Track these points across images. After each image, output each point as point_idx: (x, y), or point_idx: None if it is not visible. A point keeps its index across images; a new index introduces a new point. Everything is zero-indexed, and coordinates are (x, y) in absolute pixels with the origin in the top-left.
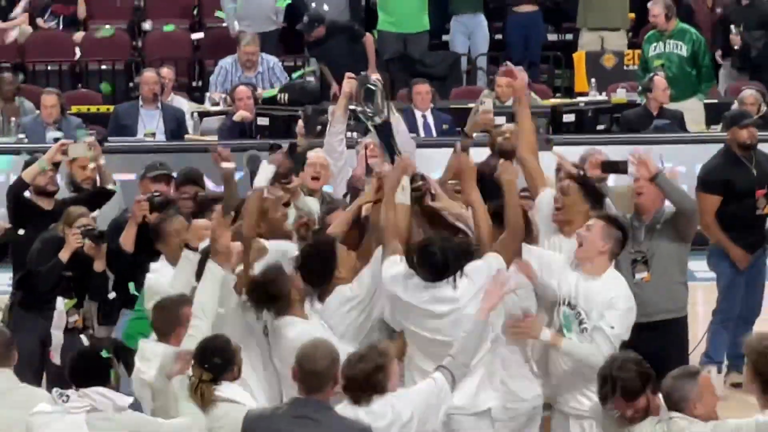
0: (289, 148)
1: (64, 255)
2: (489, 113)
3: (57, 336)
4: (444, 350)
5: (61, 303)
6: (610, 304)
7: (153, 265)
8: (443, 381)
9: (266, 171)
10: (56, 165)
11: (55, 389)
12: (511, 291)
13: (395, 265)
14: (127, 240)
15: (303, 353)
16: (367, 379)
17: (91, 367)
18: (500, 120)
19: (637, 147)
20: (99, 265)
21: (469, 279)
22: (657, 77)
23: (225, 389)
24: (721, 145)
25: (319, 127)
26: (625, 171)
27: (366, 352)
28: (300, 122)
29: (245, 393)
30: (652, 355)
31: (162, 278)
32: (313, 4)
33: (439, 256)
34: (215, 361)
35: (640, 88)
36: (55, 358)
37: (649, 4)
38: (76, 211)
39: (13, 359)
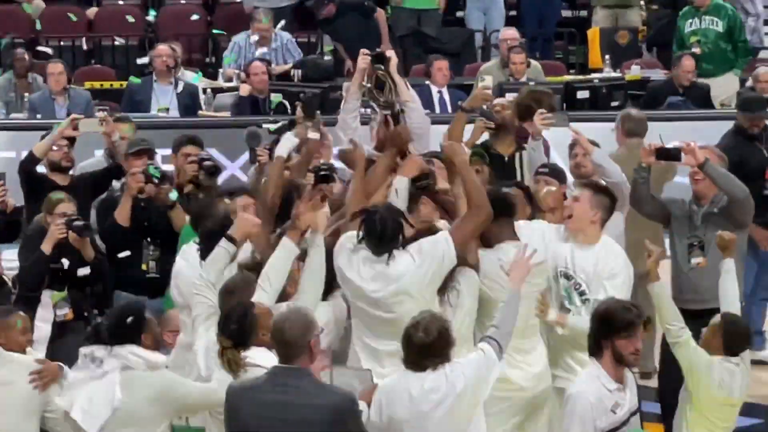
0: (290, 124)
1: (46, 247)
2: (488, 89)
3: (42, 329)
4: (388, 328)
5: (47, 296)
6: (611, 274)
7: (185, 247)
8: (491, 351)
9: (289, 142)
10: (71, 141)
11: (84, 350)
12: (538, 263)
13: (348, 240)
14: (123, 214)
15: (275, 324)
16: (430, 347)
17: (125, 326)
18: (510, 96)
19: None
20: (88, 255)
21: (412, 257)
22: (686, 58)
23: (253, 354)
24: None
25: (319, 112)
26: (678, 158)
27: (429, 320)
28: (299, 110)
29: (274, 357)
30: None
31: (190, 265)
32: None
33: (378, 225)
34: (232, 328)
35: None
36: (40, 352)
37: None
38: (55, 196)
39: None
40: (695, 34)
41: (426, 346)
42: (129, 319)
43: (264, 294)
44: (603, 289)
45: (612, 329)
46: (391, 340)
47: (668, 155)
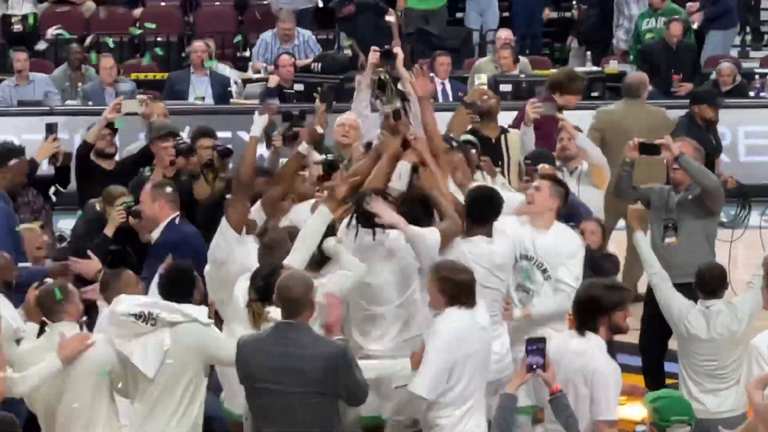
0: (300, 113)
1: (109, 231)
2: (483, 86)
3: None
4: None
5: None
6: (569, 254)
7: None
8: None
9: (259, 122)
10: (114, 131)
11: (136, 309)
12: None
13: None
14: None
15: (281, 283)
16: None
17: (179, 283)
18: (506, 87)
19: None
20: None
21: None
22: (674, 23)
23: (275, 311)
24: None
25: (334, 102)
26: (658, 152)
27: None
28: (318, 99)
29: None
30: None
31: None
32: None
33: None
34: (259, 284)
35: (631, 57)
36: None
37: None
38: (116, 191)
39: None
40: (651, 32)
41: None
42: (180, 278)
43: (296, 255)
44: (564, 267)
45: (607, 309)
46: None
47: (649, 150)
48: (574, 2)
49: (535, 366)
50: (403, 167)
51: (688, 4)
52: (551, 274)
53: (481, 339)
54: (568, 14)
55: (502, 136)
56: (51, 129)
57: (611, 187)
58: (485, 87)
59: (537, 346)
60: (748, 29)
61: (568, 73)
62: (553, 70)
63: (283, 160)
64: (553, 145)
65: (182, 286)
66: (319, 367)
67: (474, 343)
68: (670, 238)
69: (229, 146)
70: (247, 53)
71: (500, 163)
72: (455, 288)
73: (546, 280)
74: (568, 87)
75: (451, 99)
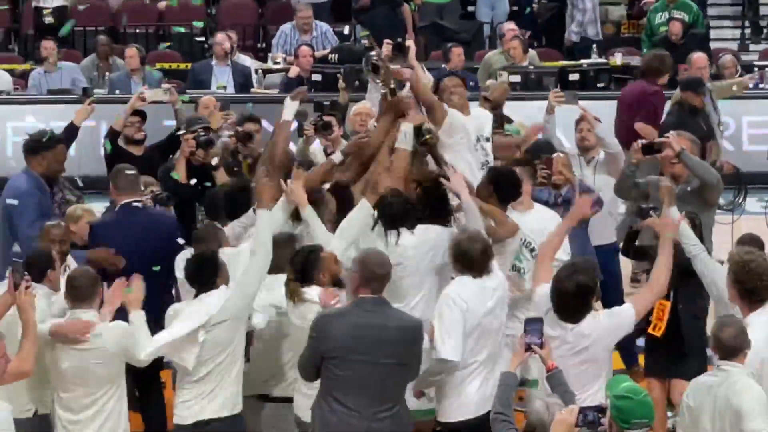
0: (331, 104)
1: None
2: (505, 83)
3: None
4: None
5: None
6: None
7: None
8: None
9: (291, 107)
10: (143, 118)
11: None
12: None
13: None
14: (181, 172)
15: (364, 262)
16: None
17: (206, 269)
18: (515, 78)
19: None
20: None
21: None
22: (673, 22)
23: (310, 291)
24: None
25: (357, 83)
26: (661, 151)
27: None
28: (341, 80)
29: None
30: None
31: None
32: None
33: (386, 207)
34: (297, 263)
35: (644, 50)
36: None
37: None
38: (146, 180)
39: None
40: (665, 25)
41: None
42: (205, 265)
43: (337, 242)
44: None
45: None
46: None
47: (652, 150)
48: None
49: (532, 345)
50: (407, 127)
51: None
52: (537, 250)
53: (487, 302)
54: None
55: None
56: (86, 92)
57: (616, 185)
58: (507, 86)
59: (534, 327)
60: (747, 23)
61: (657, 56)
62: (562, 62)
63: (313, 149)
64: (658, 122)
65: (207, 273)
66: (408, 337)
67: (481, 307)
68: None
69: (212, 137)
70: (267, 44)
71: None
72: (465, 258)
73: (534, 258)
74: (663, 69)
75: None
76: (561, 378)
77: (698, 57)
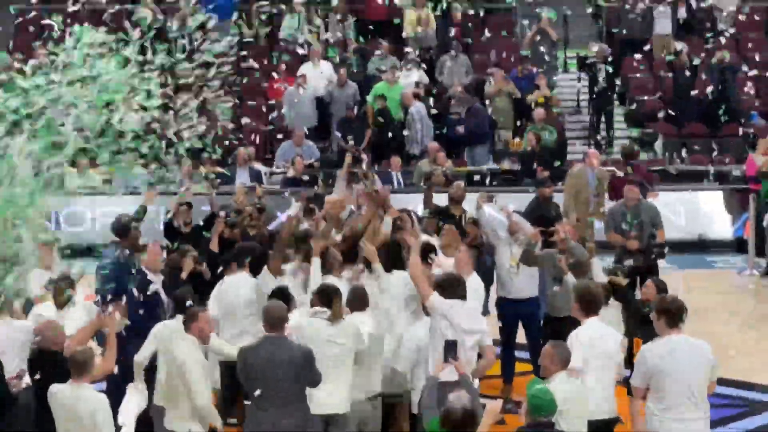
0: (314, 195)
1: (184, 274)
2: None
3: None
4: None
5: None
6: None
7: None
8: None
9: (296, 206)
10: (190, 206)
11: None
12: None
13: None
14: (214, 243)
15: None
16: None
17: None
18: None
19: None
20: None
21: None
22: (530, 134)
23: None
24: None
25: (330, 181)
26: (552, 235)
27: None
28: (319, 180)
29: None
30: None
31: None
32: None
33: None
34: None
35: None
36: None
37: None
38: (188, 249)
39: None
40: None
41: None
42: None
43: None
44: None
45: None
46: None
47: (546, 233)
48: None
49: (450, 360)
50: (387, 220)
51: None
52: None
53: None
54: None
55: (463, 215)
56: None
57: (522, 254)
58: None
59: (451, 345)
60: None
61: (627, 148)
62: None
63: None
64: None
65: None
66: (299, 361)
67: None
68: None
69: (235, 219)
70: (272, 154)
71: (463, 232)
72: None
73: None
74: (636, 155)
75: (403, 185)
76: (468, 380)
77: (593, 152)
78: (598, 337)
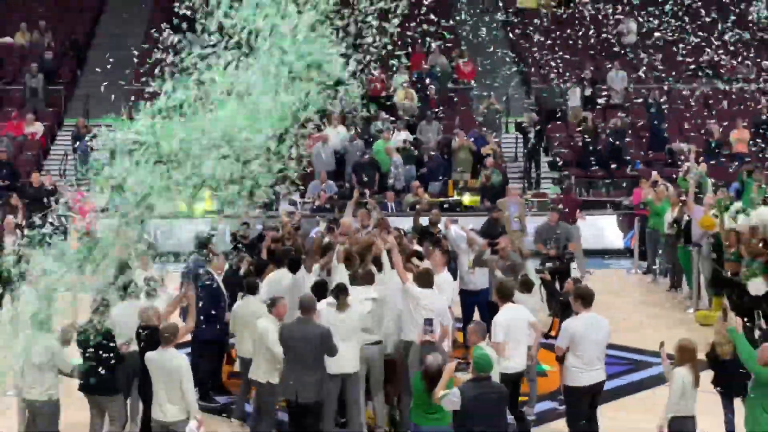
0: (333, 220)
1: (241, 272)
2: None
3: None
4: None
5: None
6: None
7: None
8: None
9: (321, 227)
10: (249, 226)
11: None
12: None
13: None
14: (264, 252)
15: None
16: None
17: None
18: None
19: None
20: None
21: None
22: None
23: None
24: None
25: (344, 208)
26: (497, 244)
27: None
28: (337, 210)
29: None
30: None
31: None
32: None
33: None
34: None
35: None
36: None
37: None
38: (245, 255)
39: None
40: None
41: None
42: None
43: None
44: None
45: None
46: None
47: (493, 243)
48: None
49: (427, 334)
50: (390, 239)
51: None
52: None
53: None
54: None
55: (439, 232)
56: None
57: (473, 258)
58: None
59: (429, 321)
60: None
61: (570, 186)
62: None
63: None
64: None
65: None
66: (320, 339)
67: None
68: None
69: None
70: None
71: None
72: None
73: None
74: (570, 190)
75: (395, 211)
76: (441, 347)
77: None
78: (510, 317)
